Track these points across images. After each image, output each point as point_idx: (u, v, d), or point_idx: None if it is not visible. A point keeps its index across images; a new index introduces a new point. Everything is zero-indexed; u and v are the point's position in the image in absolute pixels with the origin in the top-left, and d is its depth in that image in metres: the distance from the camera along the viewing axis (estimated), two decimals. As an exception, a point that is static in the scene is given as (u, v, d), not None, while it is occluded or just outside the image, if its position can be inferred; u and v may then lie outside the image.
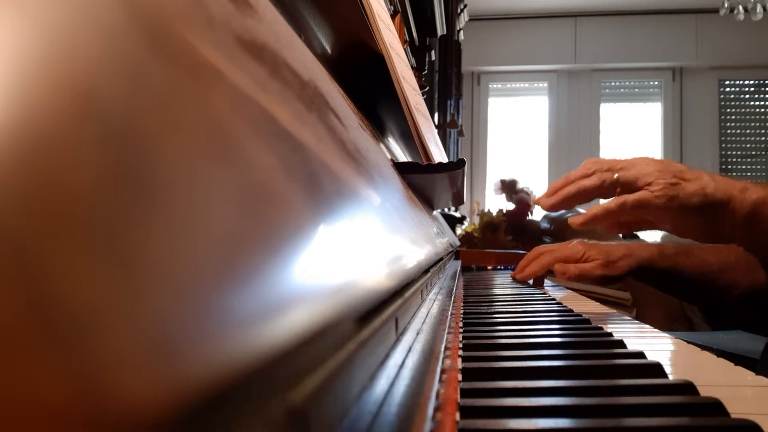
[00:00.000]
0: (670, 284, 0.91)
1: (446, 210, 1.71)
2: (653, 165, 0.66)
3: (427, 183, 0.75)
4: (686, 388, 0.33)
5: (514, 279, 1.11)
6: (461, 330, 0.52)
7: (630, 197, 0.62)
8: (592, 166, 0.69)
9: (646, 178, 0.64)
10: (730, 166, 4.59)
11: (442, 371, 0.33)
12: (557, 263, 0.97)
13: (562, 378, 0.36)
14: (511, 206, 3.12)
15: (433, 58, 2.06)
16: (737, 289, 0.83)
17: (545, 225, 2.85)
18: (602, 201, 0.68)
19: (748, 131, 4.60)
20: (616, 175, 0.65)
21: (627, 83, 4.81)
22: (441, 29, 1.96)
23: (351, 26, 0.66)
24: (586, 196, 0.67)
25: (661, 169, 0.65)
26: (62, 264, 0.07)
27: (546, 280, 1.15)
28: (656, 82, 4.73)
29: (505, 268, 1.75)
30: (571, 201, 0.67)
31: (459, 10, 2.81)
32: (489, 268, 1.82)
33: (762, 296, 0.74)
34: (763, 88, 4.61)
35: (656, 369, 0.37)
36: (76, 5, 0.11)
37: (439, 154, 0.85)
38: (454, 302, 0.68)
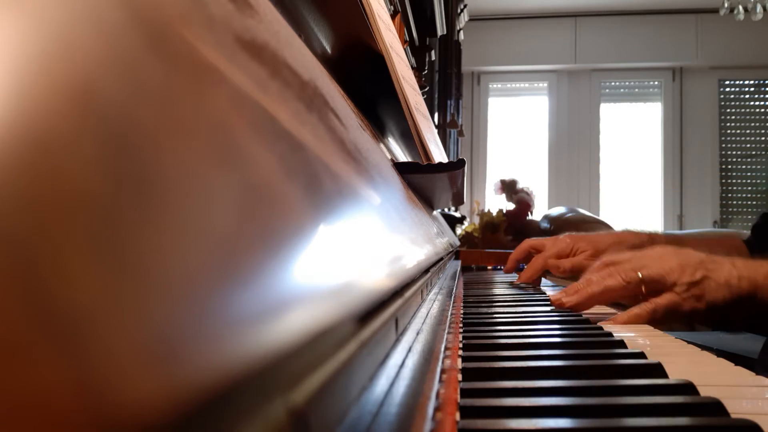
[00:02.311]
0: None
1: (446, 210, 1.71)
2: (673, 259, 0.65)
3: (427, 183, 0.75)
4: (686, 388, 0.33)
5: (512, 283, 1.12)
6: (461, 330, 0.52)
7: (660, 304, 0.62)
8: (611, 265, 0.68)
9: (670, 276, 0.64)
10: (730, 166, 4.59)
11: (442, 371, 0.33)
12: (550, 260, 0.98)
13: (562, 378, 0.36)
14: (511, 206, 3.13)
15: (433, 58, 2.06)
16: None
17: (545, 225, 2.85)
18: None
19: (748, 131, 4.60)
20: (640, 275, 0.65)
21: (627, 83, 4.81)
22: (441, 29, 1.96)
23: (351, 26, 0.66)
24: (612, 296, 0.66)
25: (683, 264, 0.64)
26: (62, 266, 0.07)
27: (545, 280, 1.15)
28: (656, 82, 4.73)
29: (505, 268, 1.75)
30: (596, 301, 0.67)
31: (459, 10, 2.81)
32: (489, 268, 1.82)
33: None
34: (763, 88, 4.61)
35: (656, 369, 0.37)
36: (76, 6, 0.11)
37: (439, 154, 0.85)
38: (454, 302, 0.68)
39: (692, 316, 0.63)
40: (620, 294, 0.66)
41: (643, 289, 0.64)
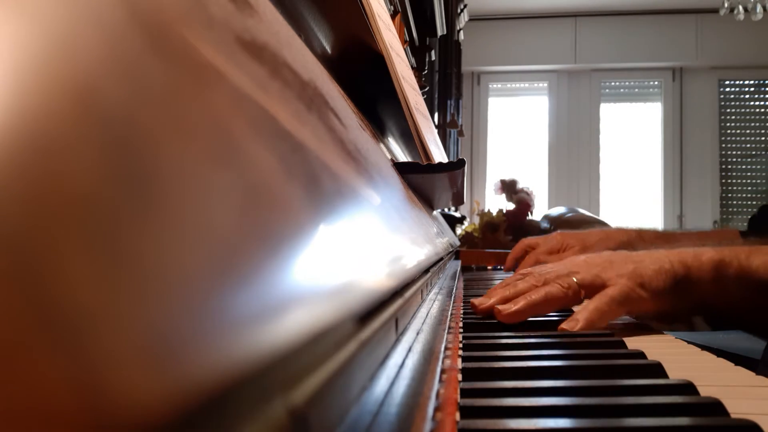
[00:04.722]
0: None
1: (446, 210, 1.71)
2: (598, 260, 0.64)
3: (427, 183, 0.75)
4: (686, 388, 0.33)
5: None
6: (461, 330, 0.52)
7: (612, 294, 0.59)
8: (537, 276, 0.64)
9: (603, 274, 0.62)
10: (730, 166, 4.59)
11: (442, 371, 0.33)
12: (541, 257, 1.00)
13: (562, 378, 0.36)
14: (511, 206, 3.12)
15: (433, 58, 2.06)
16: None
17: (545, 225, 2.85)
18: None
19: (748, 131, 4.60)
20: (575, 279, 0.62)
21: (627, 83, 4.80)
22: (441, 29, 1.96)
23: (351, 26, 0.66)
24: (555, 304, 0.62)
25: (610, 261, 0.63)
26: (62, 266, 0.07)
27: None
28: (656, 82, 4.73)
29: (505, 268, 1.75)
30: (538, 310, 0.61)
31: (459, 10, 2.81)
32: (489, 268, 1.82)
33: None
34: (763, 88, 4.60)
35: (656, 369, 0.37)
36: (76, 6, 0.11)
37: (439, 154, 0.85)
38: (454, 302, 0.68)
39: (641, 305, 0.61)
40: (563, 302, 0.61)
41: (582, 293, 0.61)
